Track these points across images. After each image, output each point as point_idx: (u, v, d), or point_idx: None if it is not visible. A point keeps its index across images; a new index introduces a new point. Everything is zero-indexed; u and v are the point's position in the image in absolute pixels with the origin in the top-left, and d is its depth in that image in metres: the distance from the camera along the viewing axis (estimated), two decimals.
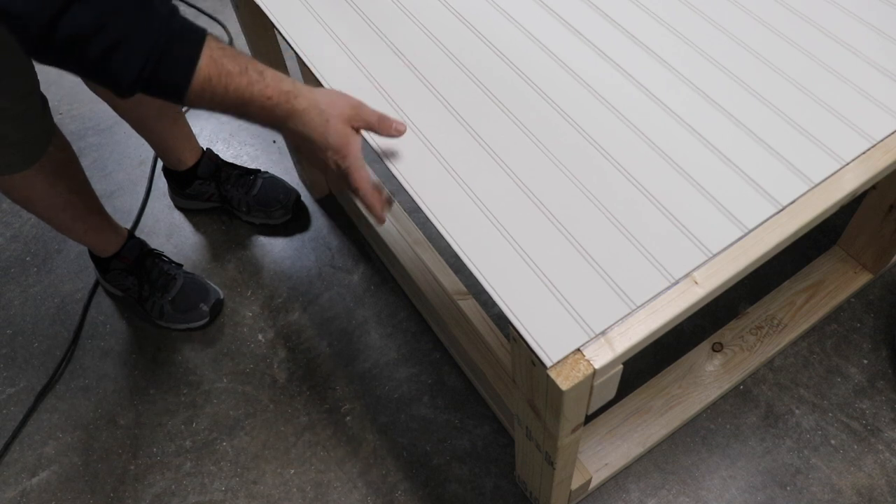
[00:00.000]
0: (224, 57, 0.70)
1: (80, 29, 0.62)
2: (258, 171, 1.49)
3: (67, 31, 0.61)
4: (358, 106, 0.78)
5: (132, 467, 1.22)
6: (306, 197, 1.54)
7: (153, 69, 0.66)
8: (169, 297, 1.34)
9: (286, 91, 0.73)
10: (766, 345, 1.23)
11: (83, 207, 1.21)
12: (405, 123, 0.82)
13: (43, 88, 1.04)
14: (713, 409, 1.21)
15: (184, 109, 1.72)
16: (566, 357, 0.66)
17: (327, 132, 0.76)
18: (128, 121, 1.29)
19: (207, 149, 1.45)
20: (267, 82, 0.72)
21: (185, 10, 1.95)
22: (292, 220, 1.50)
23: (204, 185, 1.45)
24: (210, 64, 0.68)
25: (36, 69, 0.98)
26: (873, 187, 1.15)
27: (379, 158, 0.82)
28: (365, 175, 0.79)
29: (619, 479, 1.15)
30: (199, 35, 0.68)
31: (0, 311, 1.42)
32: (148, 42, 0.65)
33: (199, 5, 1.96)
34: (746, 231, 0.72)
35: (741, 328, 1.24)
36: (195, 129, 1.67)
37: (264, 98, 0.72)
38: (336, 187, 0.79)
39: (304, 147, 0.78)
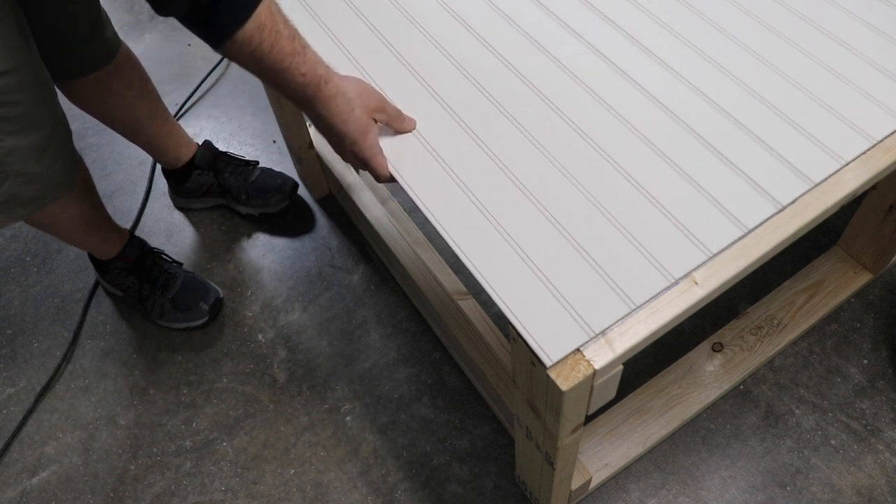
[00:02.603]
0: (280, 14, 0.70)
1: None
2: (256, 162, 1.49)
3: None
4: (382, 99, 0.81)
5: (132, 467, 1.22)
6: (307, 197, 1.54)
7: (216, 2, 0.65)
8: (169, 295, 1.34)
9: (319, 75, 0.74)
10: (766, 345, 1.23)
11: (99, 220, 1.23)
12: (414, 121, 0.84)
13: None
14: (713, 410, 1.21)
15: (184, 108, 1.72)
16: (566, 357, 0.66)
17: (348, 121, 0.78)
18: (118, 130, 1.29)
19: (205, 140, 1.45)
20: (305, 59, 0.73)
21: None
22: (292, 218, 1.50)
23: (202, 176, 1.45)
24: (267, 14, 0.68)
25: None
26: (873, 187, 1.15)
27: None
28: (382, 162, 0.81)
29: (619, 479, 1.15)
30: None
31: (0, 310, 1.42)
32: None
33: None
34: (746, 231, 0.72)
35: (741, 328, 1.24)
36: (195, 129, 1.68)
37: (298, 74, 0.73)
38: (356, 167, 0.84)
39: (324, 130, 0.80)
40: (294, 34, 0.73)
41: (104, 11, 1.13)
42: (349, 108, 0.77)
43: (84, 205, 1.15)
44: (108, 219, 1.26)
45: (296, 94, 0.75)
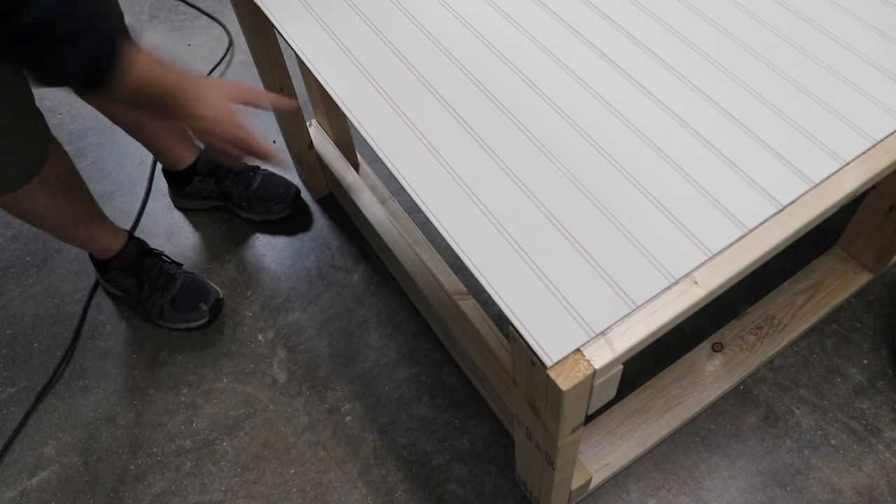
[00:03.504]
0: (153, 55, 0.77)
1: (45, 14, 0.65)
2: (257, 167, 1.49)
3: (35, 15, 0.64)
4: (231, 83, 0.87)
5: (132, 467, 1.22)
6: (307, 197, 1.55)
7: (98, 61, 0.71)
8: (169, 296, 1.34)
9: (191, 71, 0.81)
10: (766, 345, 1.23)
11: (85, 216, 1.22)
12: (296, 103, 0.91)
13: (43, 89, 1.04)
14: (713, 409, 1.21)
15: None
16: (566, 357, 0.66)
17: (208, 106, 0.83)
18: (122, 126, 1.29)
19: None
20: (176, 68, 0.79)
21: (185, 12, 1.96)
22: (292, 218, 1.50)
23: (203, 182, 1.45)
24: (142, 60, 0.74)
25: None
26: (873, 187, 1.15)
27: (379, 159, 0.82)
28: (249, 131, 0.86)
29: (619, 479, 1.15)
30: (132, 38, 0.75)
31: (0, 310, 1.42)
32: (91, 39, 0.70)
33: (199, 5, 1.96)
34: (747, 231, 0.72)
35: (741, 328, 1.24)
36: None
37: (166, 80, 0.79)
38: (232, 162, 0.88)
39: (199, 127, 0.85)
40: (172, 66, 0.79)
41: (115, 5, 1.12)
42: (206, 97, 0.83)
43: (62, 199, 1.14)
44: (99, 216, 1.26)
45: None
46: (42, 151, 1.05)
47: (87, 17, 0.69)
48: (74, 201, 1.17)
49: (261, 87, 1.60)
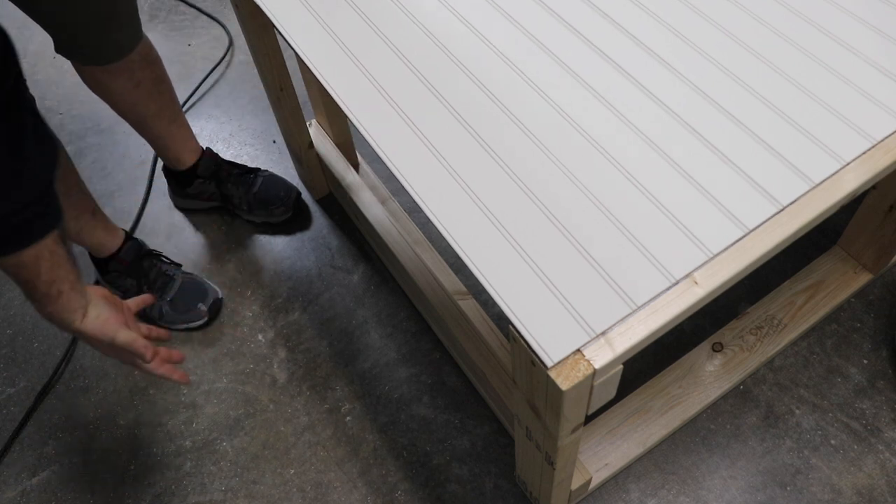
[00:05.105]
0: (46, 262, 0.76)
1: None
2: (258, 169, 1.49)
3: None
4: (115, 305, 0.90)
5: (132, 467, 1.22)
6: (307, 197, 1.55)
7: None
8: (167, 297, 1.34)
9: (71, 312, 0.83)
10: (766, 345, 1.23)
11: (74, 209, 1.21)
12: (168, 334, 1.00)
13: (43, 89, 1.04)
14: (713, 409, 1.21)
15: (184, 108, 1.72)
16: (566, 357, 0.66)
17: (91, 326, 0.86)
18: (127, 120, 1.29)
19: (207, 148, 1.45)
20: (58, 302, 0.81)
21: (185, 12, 1.96)
22: (292, 218, 1.50)
23: (204, 185, 1.45)
24: (31, 259, 0.74)
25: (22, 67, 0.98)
26: (873, 187, 1.15)
27: (379, 159, 0.82)
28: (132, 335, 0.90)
29: (619, 479, 1.15)
30: (46, 229, 0.74)
31: (0, 310, 1.42)
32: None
33: (198, 4, 1.96)
34: (747, 231, 0.72)
35: (741, 328, 1.24)
36: (195, 129, 1.68)
37: (43, 311, 0.82)
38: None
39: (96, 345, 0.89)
40: (53, 280, 0.79)
41: (125, 14, 1.12)
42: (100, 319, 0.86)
43: None
44: (93, 210, 1.25)
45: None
46: None
47: (23, 189, 0.69)
48: (61, 192, 1.16)
49: (261, 86, 1.60)
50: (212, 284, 1.39)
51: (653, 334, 0.67)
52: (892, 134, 0.79)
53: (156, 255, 1.37)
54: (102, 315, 0.87)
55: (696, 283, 0.70)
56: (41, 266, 0.76)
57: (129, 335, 0.89)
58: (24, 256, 0.74)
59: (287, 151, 1.59)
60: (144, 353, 0.90)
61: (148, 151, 1.63)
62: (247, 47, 1.23)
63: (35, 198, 0.71)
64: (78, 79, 1.20)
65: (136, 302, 0.98)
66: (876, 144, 0.78)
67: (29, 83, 0.78)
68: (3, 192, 0.67)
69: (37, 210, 0.72)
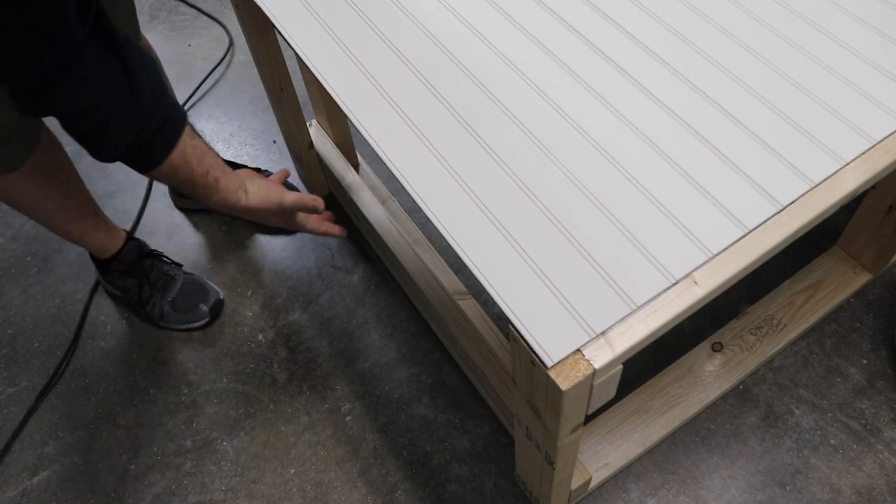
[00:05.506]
0: (193, 156, 0.83)
1: (69, 107, 0.71)
2: (259, 169, 1.49)
3: (58, 107, 0.71)
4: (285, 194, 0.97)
5: (132, 467, 1.22)
6: None
7: (134, 154, 0.78)
8: (168, 298, 1.34)
9: (234, 192, 0.90)
10: (765, 345, 1.23)
11: (76, 211, 1.20)
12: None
13: None
14: (713, 409, 1.21)
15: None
16: (566, 357, 0.66)
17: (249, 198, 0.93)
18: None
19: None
20: (219, 188, 0.88)
21: (185, 12, 1.96)
22: None
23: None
24: (180, 158, 0.81)
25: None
26: (873, 187, 1.15)
27: (379, 159, 0.82)
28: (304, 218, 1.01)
29: (619, 478, 1.16)
30: (178, 129, 0.80)
31: (1, 310, 1.42)
32: (131, 133, 0.75)
33: (199, 5, 1.96)
34: (746, 231, 0.72)
35: (741, 328, 1.24)
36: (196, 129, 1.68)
37: (210, 200, 0.89)
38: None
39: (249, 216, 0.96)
40: (206, 171, 0.86)
41: (123, 13, 1.10)
42: (261, 193, 0.94)
43: (50, 189, 1.12)
44: (94, 211, 1.25)
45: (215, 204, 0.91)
46: (27, 143, 1.03)
47: (143, 102, 0.75)
48: (63, 193, 1.16)
49: (261, 87, 1.60)
50: (213, 285, 1.39)
51: (652, 334, 0.68)
52: (892, 134, 0.79)
53: (157, 256, 1.37)
54: (263, 186, 0.93)
55: (695, 282, 0.70)
56: (191, 162, 0.83)
57: (294, 195, 0.97)
58: (173, 160, 0.80)
59: (287, 151, 1.59)
60: (318, 204, 0.98)
61: None
62: (247, 47, 1.23)
63: (156, 106, 0.77)
64: None
65: (278, 175, 1.06)
66: (875, 144, 0.78)
67: None
68: (131, 111, 0.74)
69: (164, 115, 0.78)
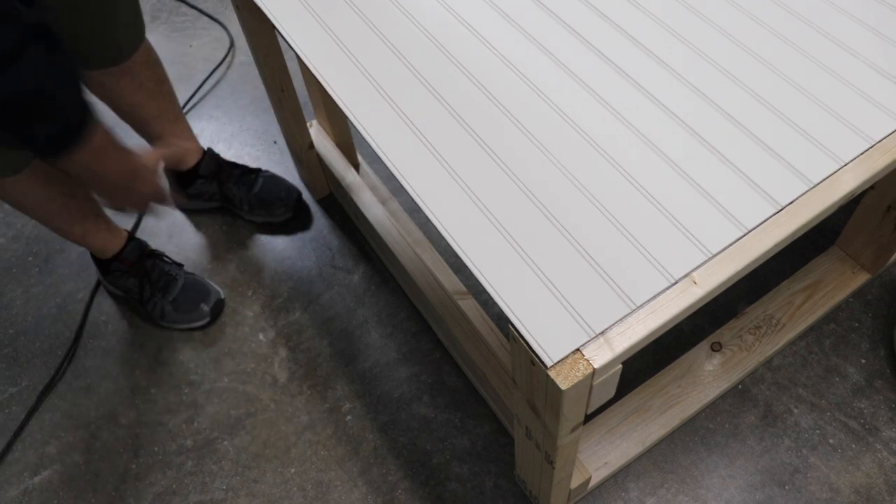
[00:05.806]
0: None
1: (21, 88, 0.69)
2: (259, 169, 1.49)
3: (13, 87, 0.68)
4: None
5: (133, 466, 1.22)
6: (307, 197, 1.55)
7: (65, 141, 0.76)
8: (170, 297, 1.34)
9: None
10: (764, 344, 1.23)
11: (78, 211, 1.21)
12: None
13: None
14: (712, 409, 1.21)
15: (185, 109, 1.72)
16: (566, 357, 0.66)
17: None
18: (129, 122, 1.30)
19: (208, 148, 1.45)
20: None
21: (186, 13, 1.96)
22: (293, 218, 1.50)
23: (206, 185, 1.45)
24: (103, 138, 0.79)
25: None
26: (872, 187, 1.15)
27: (379, 159, 0.82)
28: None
29: (619, 478, 1.16)
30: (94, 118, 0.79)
31: (2, 310, 1.42)
32: (63, 120, 0.75)
33: (199, 6, 1.96)
34: (746, 231, 0.73)
35: (740, 328, 1.25)
36: (196, 130, 1.68)
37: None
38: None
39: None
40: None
41: (127, 18, 1.13)
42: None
43: (52, 191, 1.13)
44: (96, 212, 1.26)
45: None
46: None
47: (60, 99, 0.73)
48: (65, 194, 1.17)
49: (262, 87, 1.61)
50: (214, 285, 1.39)
51: (652, 334, 0.68)
52: (890, 134, 0.80)
53: (158, 256, 1.37)
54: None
55: (694, 282, 0.70)
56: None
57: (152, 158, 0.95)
58: (94, 141, 0.78)
59: (288, 152, 1.59)
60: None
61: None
62: (248, 48, 1.24)
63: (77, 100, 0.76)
64: None
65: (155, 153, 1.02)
66: (874, 145, 0.79)
67: None
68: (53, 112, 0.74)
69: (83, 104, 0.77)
